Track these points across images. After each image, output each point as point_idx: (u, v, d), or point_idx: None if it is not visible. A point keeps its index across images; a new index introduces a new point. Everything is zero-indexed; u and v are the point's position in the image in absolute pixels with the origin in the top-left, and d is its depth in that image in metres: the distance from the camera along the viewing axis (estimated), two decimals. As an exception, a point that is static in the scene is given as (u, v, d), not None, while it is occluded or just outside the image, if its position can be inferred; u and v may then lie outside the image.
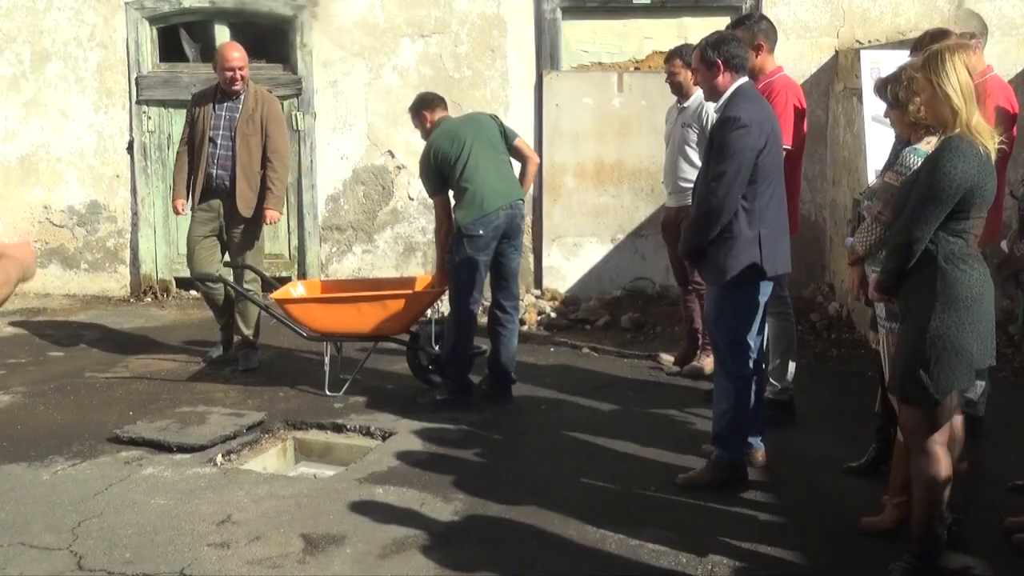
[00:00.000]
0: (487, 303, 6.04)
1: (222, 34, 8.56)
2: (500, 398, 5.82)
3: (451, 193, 5.73)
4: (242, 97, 6.32)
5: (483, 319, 6.02)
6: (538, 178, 8.30)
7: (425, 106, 5.91)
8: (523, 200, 5.84)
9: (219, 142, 6.27)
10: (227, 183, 6.29)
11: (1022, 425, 5.40)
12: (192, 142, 6.38)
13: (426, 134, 5.87)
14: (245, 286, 6.34)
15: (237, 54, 6.28)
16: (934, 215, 3.33)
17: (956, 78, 3.29)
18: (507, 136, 5.86)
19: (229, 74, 6.22)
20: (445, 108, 5.97)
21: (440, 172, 5.66)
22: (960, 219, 3.33)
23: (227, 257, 6.56)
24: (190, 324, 7.72)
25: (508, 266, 5.80)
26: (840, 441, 5.06)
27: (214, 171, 6.29)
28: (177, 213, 6.61)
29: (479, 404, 5.74)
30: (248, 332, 6.47)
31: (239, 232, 6.40)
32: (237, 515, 4.30)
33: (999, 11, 7.83)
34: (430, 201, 6.06)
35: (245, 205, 6.29)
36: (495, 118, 5.97)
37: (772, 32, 5.39)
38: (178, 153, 6.58)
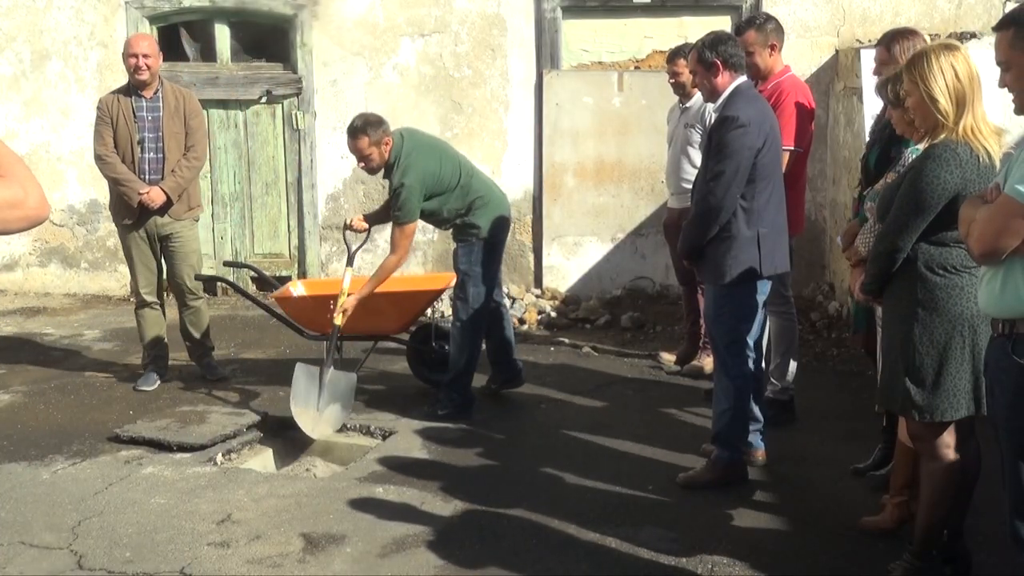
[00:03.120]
0: None
1: (222, 33, 8.58)
2: (512, 389, 5.85)
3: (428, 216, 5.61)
4: (159, 94, 5.94)
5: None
6: (538, 177, 8.34)
7: (382, 126, 5.40)
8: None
9: (147, 145, 5.87)
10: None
11: (829, 408, 5.55)
12: (116, 147, 5.87)
13: (384, 164, 5.45)
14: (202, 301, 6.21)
15: (140, 42, 5.90)
16: (915, 224, 3.31)
17: (943, 80, 3.23)
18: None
19: (134, 61, 5.77)
20: (387, 128, 5.47)
21: (432, 193, 5.43)
22: (943, 228, 3.29)
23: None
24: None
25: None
26: (840, 440, 5.08)
27: (147, 177, 5.85)
28: (150, 203, 5.82)
29: (479, 404, 5.73)
30: (208, 342, 6.28)
31: (182, 238, 6.05)
32: (237, 514, 4.31)
33: (794, 14, 7.93)
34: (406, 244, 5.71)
35: (181, 206, 5.98)
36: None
37: (781, 31, 5.39)
38: (106, 157, 5.84)
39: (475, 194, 5.54)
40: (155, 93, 5.95)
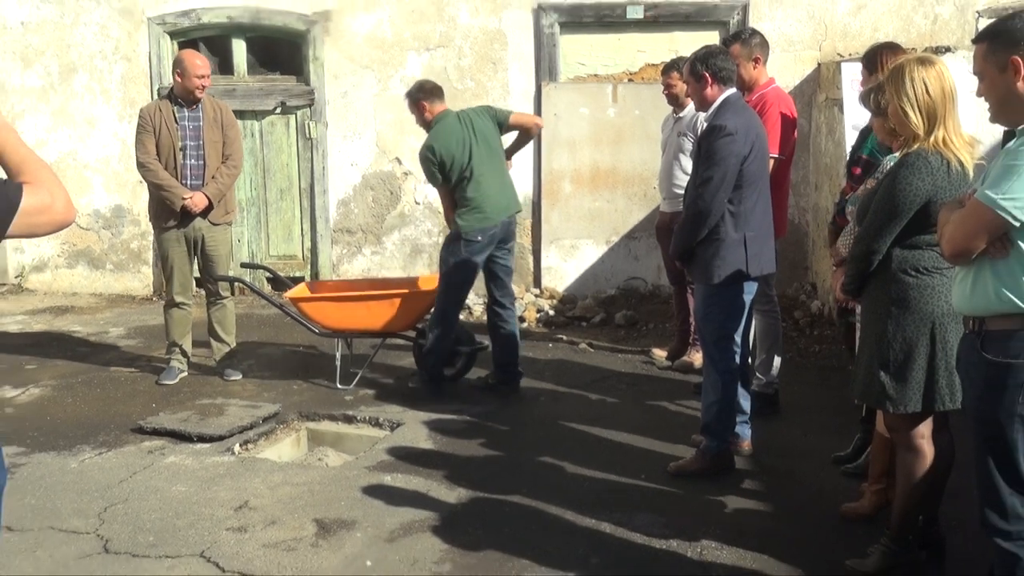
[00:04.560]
0: (487, 301, 6.05)
1: (239, 48, 8.59)
2: (507, 391, 5.82)
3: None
4: (199, 105, 5.96)
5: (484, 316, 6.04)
6: (537, 183, 8.34)
7: (424, 95, 5.67)
8: (518, 209, 5.87)
9: (190, 152, 5.90)
10: None
11: (811, 401, 5.56)
12: (158, 155, 5.89)
13: (424, 124, 5.69)
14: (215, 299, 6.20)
15: (199, 62, 5.91)
16: (890, 228, 3.31)
17: (914, 93, 3.23)
18: (502, 124, 5.73)
19: (200, 81, 5.86)
20: (444, 101, 5.73)
21: (442, 170, 5.57)
22: (915, 232, 3.30)
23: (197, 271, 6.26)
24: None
25: (504, 267, 5.83)
26: (822, 432, 5.08)
27: (188, 183, 5.89)
28: (192, 207, 5.87)
29: (482, 397, 5.76)
30: (232, 341, 6.30)
31: (216, 241, 6.08)
32: (254, 501, 4.32)
33: (779, 30, 7.94)
34: (435, 205, 6.01)
35: (219, 211, 6.03)
36: (489, 111, 5.80)
37: (766, 46, 5.39)
38: (149, 165, 5.86)
39: (471, 193, 5.58)
40: (197, 104, 5.97)
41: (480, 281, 5.89)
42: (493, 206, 5.59)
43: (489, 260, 5.74)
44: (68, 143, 8.69)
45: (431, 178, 5.70)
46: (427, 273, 7.90)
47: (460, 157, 5.54)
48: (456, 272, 5.65)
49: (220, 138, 6.01)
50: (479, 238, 5.56)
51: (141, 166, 5.93)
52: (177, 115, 5.92)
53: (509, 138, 5.90)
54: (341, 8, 8.36)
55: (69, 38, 8.58)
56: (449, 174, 5.58)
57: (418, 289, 6.23)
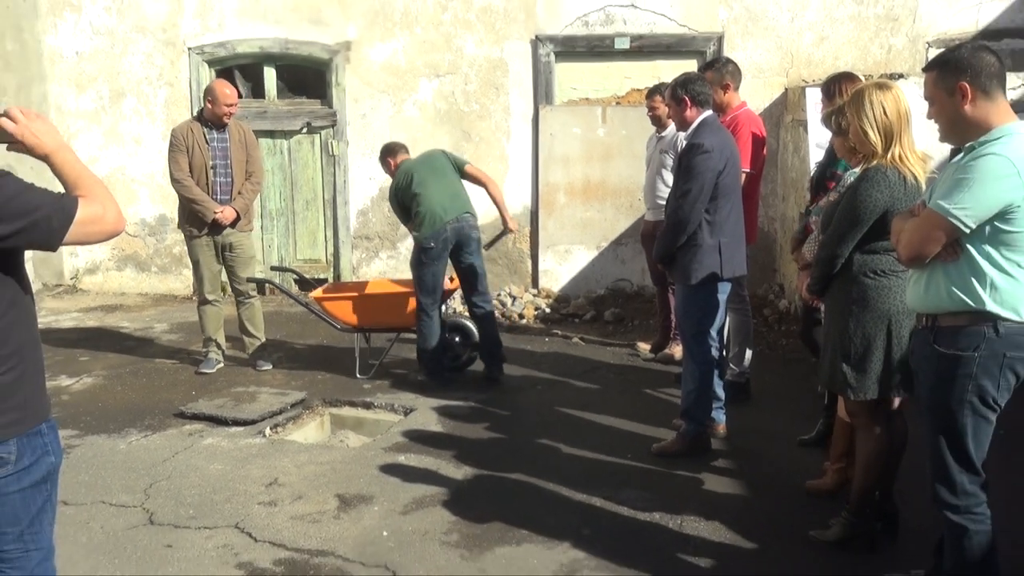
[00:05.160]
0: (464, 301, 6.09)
1: (270, 75, 8.57)
2: (493, 375, 5.80)
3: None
4: (227, 128, 5.95)
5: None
6: (535, 195, 8.33)
7: (388, 154, 5.99)
8: (470, 213, 5.73)
9: (219, 170, 5.90)
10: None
11: (779, 390, 5.55)
12: (191, 172, 5.88)
13: (391, 175, 5.93)
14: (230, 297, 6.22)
15: (228, 91, 5.90)
16: (851, 235, 3.30)
17: (873, 115, 3.21)
18: (457, 164, 5.83)
19: (229, 109, 5.87)
20: (406, 152, 6.01)
21: (401, 203, 5.73)
22: (874, 239, 3.28)
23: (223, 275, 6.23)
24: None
25: (470, 270, 5.76)
26: (789, 417, 5.07)
27: (217, 197, 5.90)
28: (223, 220, 5.89)
29: (485, 386, 5.75)
30: (261, 336, 6.28)
31: (243, 246, 6.08)
32: (282, 478, 4.31)
33: (750, 58, 7.89)
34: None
35: (244, 222, 6.04)
36: (444, 152, 5.96)
37: (738, 73, 5.38)
38: (183, 180, 5.85)
39: (417, 207, 5.61)
40: (223, 127, 5.97)
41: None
42: (438, 212, 5.58)
43: (457, 264, 5.73)
44: (117, 159, 8.67)
45: (398, 216, 5.92)
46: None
47: (404, 183, 5.68)
48: (423, 277, 5.65)
49: (245, 157, 6.02)
50: (432, 244, 5.57)
51: (176, 181, 5.92)
52: (207, 136, 5.92)
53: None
54: (360, 39, 8.35)
55: (118, 66, 8.57)
56: (404, 204, 5.70)
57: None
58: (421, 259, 5.62)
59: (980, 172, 2.58)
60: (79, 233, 2.11)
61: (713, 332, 4.52)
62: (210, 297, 6.11)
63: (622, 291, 8.23)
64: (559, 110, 8.31)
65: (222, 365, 6.16)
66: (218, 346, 6.21)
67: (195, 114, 6.23)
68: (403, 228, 8.46)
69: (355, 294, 6.07)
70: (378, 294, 6.12)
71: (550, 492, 4.13)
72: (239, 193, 5.99)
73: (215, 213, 5.86)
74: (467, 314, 6.23)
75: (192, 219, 5.96)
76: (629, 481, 4.24)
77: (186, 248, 6.21)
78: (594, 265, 8.35)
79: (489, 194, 5.93)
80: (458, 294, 6.51)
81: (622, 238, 8.28)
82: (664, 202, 5.29)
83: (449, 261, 5.73)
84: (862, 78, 4.30)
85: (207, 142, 5.91)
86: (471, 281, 5.80)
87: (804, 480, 4.14)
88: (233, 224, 5.98)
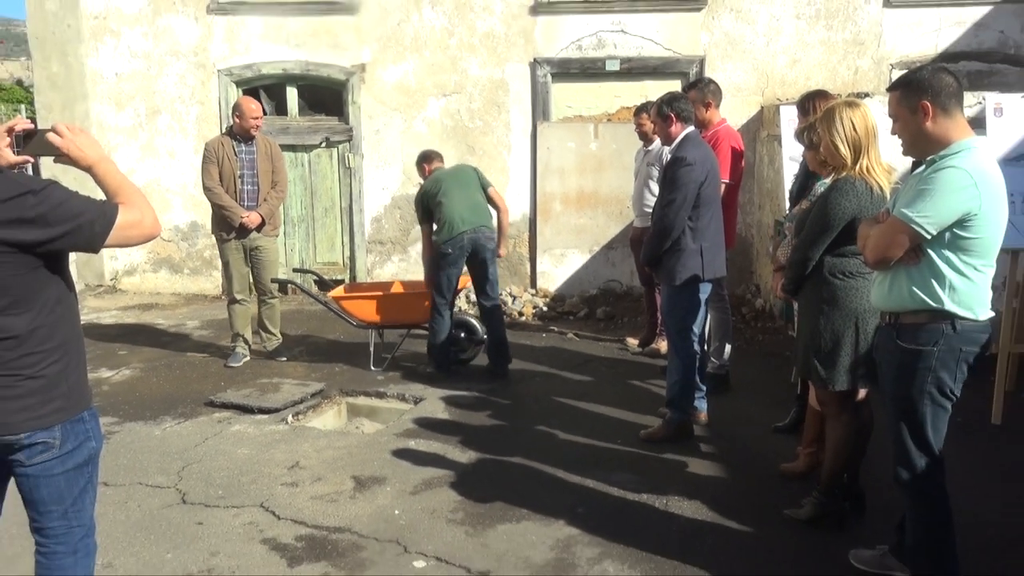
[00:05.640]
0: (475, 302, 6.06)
1: (292, 94, 8.57)
2: (499, 374, 5.77)
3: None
4: (253, 141, 5.95)
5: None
6: (533, 204, 8.32)
7: (425, 160, 5.99)
8: (487, 227, 5.69)
9: (246, 179, 5.90)
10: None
11: (756, 381, 5.53)
12: (221, 181, 5.88)
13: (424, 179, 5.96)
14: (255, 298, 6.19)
15: (254, 107, 5.90)
16: (822, 239, 3.30)
17: (843, 130, 3.20)
18: (483, 184, 5.80)
19: (255, 122, 5.87)
20: (441, 161, 5.99)
21: (424, 206, 5.71)
22: (843, 243, 3.28)
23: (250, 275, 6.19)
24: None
25: (483, 275, 5.72)
26: (765, 406, 5.07)
27: (245, 204, 5.90)
28: (249, 224, 5.90)
29: (487, 378, 5.73)
30: (278, 333, 6.29)
31: (267, 250, 6.06)
32: (303, 461, 4.31)
33: (729, 79, 7.89)
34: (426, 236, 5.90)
35: (269, 227, 6.04)
36: (475, 169, 5.92)
37: (719, 92, 5.37)
38: (214, 189, 5.87)
39: (440, 213, 5.60)
40: (251, 140, 5.97)
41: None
42: (457, 222, 5.57)
43: (472, 269, 5.69)
44: (153, 171, 8.67)
45: (418, 215, 5.84)
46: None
47: (433, 189, 5.67)
48: (440, 280, 5.64)
49: (270, 168, 6.02)
50: (450, 250, 5.56)
51: (207, 189, 5.94)
52: (236, 149, 5.93)
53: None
54: (374, 62, 8.35)
55: (154, 86, 8.56)
56: (428, 206, 5.69)
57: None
58: (440, 262, 5.61)
59: (941, 183, 2.57)
60: (119, 236, 2.12)
61: (695, 328, 4.51)
62: (239, 297, 6.11)
63: (612, 291, 8.22)
64: (555, 126, 8.30)
65: (248, 359, 6.15)
66: (245, 341, 6.20)
67: (225, 129, 6.23)
68: (414, 233, 8.50)
69: (370, 294, 6.06)
70: (390, 294, 6.11)
71: (547, 474, 4.13)
72: (265, 200, 5.99)
73: (242, 217, 5.88)
74: (471, 312, 6.22)
75: (223, 224, 5.96)
76: (619, 464, 4.24)
77: (217, 251, 6.22)
78: (587, 267, 8.34)
79: (499, 219, 5.89)
80: (462, 294, 6.50)
81: (612, 243, 8.28)
82: (650, 210, 5.29)
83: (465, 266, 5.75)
84: (834, 96, 4.29)
85: (236, 154, 5.92)
86: (482, 285, 5.78)
87: (778, 463, 4.14)
88: (259, 228, 5.98)
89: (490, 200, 5.83)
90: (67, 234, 2.05)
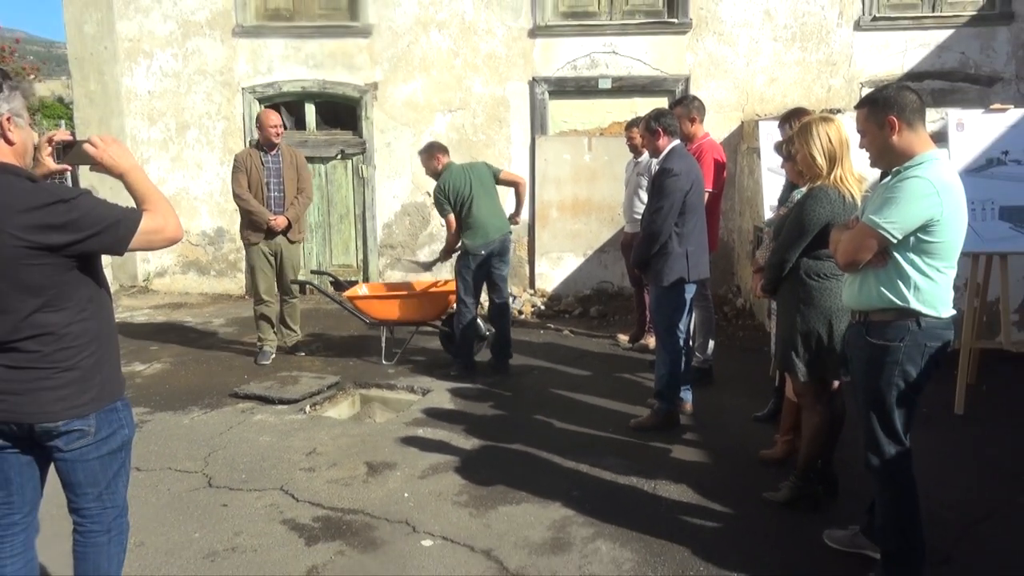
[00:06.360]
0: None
1: (310, 110, 8.57)
2: (501, 369, 5.75)
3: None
4: (279, 151, 5.95)
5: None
6: (531, 210, 8.32)
7: (439, 150, 5.71)
8: (510, 231, 5.71)
9: (272, 187, 5.89)
10: None
11: (737, 374, 5.52)
12: (249, 188, 5.87)
13: (434, 171, 5.65)
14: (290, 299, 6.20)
15: (272, 116, 5.89)
16: (798, 244, 3.30)
17: (819, 143, 3.21)
18: (496, 174, 5.73)
19: (274, 130, 5.85)
20: (448, 155, 5.82)
21: (450, 200, 5.55)
22: (817, 247, 3.28)
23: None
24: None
25: (499, 275, 5.69)
26: (746, 397, 5.06)
27: (272, 209, 5.89)
28: (276, 226, 5.89)
29: (490, 371, 5.72)
30: (298, 329, 6.29)
31: (290, 254, 6.05)
32: (320, 448, 4.30)
33: (712, 96, 7.87)
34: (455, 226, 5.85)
35: (295, 232, 6.04)
36: (487, 164, 5.81)
37: (703, 108, 5.38)
38: (243, 195, 5.85)
39: (472, 218, 5.53)
40: (276, 150, 5.97)
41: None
42: (490, 227, 5.55)
43: (489, 271, 5.66)
44: (182, 181, 8.67)
45: (441, 209, 5.61)
46: (448, 278, 7.89)
47: (463, 190, 5.53)
48: (465, 278, 5.60)
49: (295, 176, 6.00)
50: (482, 252, 5.54)
51: (237, 196, 5.93)
52: (262, 159, 5.92)
53: (506, 192, 5.87)
54: (386, 80, 8.35)
55: (183, 103, 8.57)
56: (455, 203, 5.55)
57: (441, 290, 6.21)
58: (469, 262, 5.54)
59: (906, 192, 2.57)
60: (143, 240, 2.13)
61: (682, 326, 4.51)
62: (265, 297, 6.09)
63: (605, 291, 8.22)
64: (552, 140, 8.30)
65: (274, 356, 6.15)
66: (272, 340, 6.20)
67: (252, 143, 6.24)
68: (421, 238, 8.51)
69: (381, 294, 6.06)
70: (400, 294, 6.10)
71: (544, 460, 4.12)
72: (291, 204, 6.00)
73: (270, 220, 5.89)
74: (478, 311, 6.19)
75: (251, 229, 5.96)
76: (611, 451, 4.23)
77: (242, 255, 6.21)
78: (581, 269, 8.34)
79: (517, 192, 5.83)
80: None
81: (605, 247, 8.27)
82: (640, 217, 5.28)
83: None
84: (810, 111, 4.29)
85: (262, 163, 5.93)
86: (497, 284, 5.73)
87: (758, 450, 4.14)
88: (286, 231, 5.98)
89: (505, 182, 5.75)
90: (92, 237, 2.06)
